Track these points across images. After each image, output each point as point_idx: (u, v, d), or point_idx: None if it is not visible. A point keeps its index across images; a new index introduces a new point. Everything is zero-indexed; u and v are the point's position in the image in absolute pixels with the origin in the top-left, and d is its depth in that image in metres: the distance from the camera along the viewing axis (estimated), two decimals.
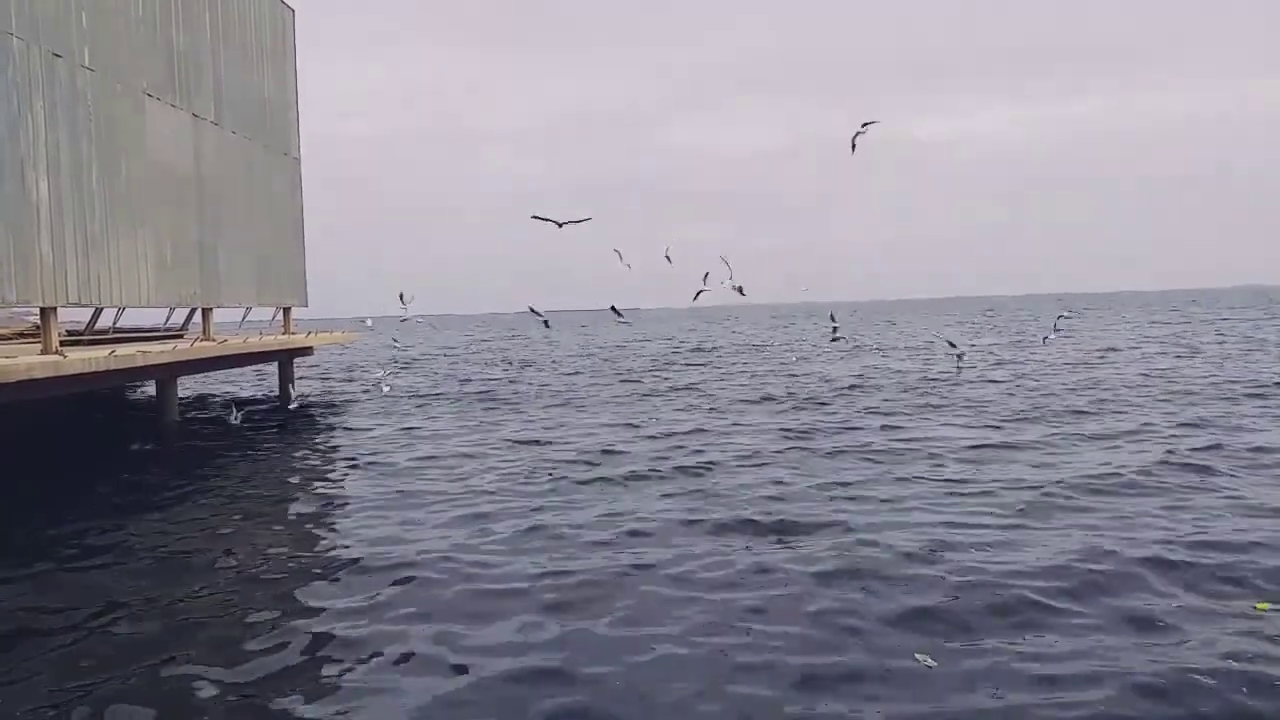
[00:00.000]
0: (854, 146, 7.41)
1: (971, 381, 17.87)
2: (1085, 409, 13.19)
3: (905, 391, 16.46)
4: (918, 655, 4.61)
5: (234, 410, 13.82)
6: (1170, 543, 6.24)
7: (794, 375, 20.50)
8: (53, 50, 10.01)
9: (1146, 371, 18.64)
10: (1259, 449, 9.61)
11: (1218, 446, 9.77)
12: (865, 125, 7.30)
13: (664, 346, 35.97)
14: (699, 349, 33.22)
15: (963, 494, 7.99)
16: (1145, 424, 11.60)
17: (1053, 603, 5.21)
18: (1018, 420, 12.33)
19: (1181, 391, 15.00)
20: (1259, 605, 5.15)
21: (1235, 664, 4.31)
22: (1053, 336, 26.55)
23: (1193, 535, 6.45)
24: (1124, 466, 8.82)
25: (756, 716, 4.06)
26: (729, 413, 14.18)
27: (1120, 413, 12.76)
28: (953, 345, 21.68)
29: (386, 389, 19.14)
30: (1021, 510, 7.33)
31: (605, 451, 10.69)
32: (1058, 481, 8.27)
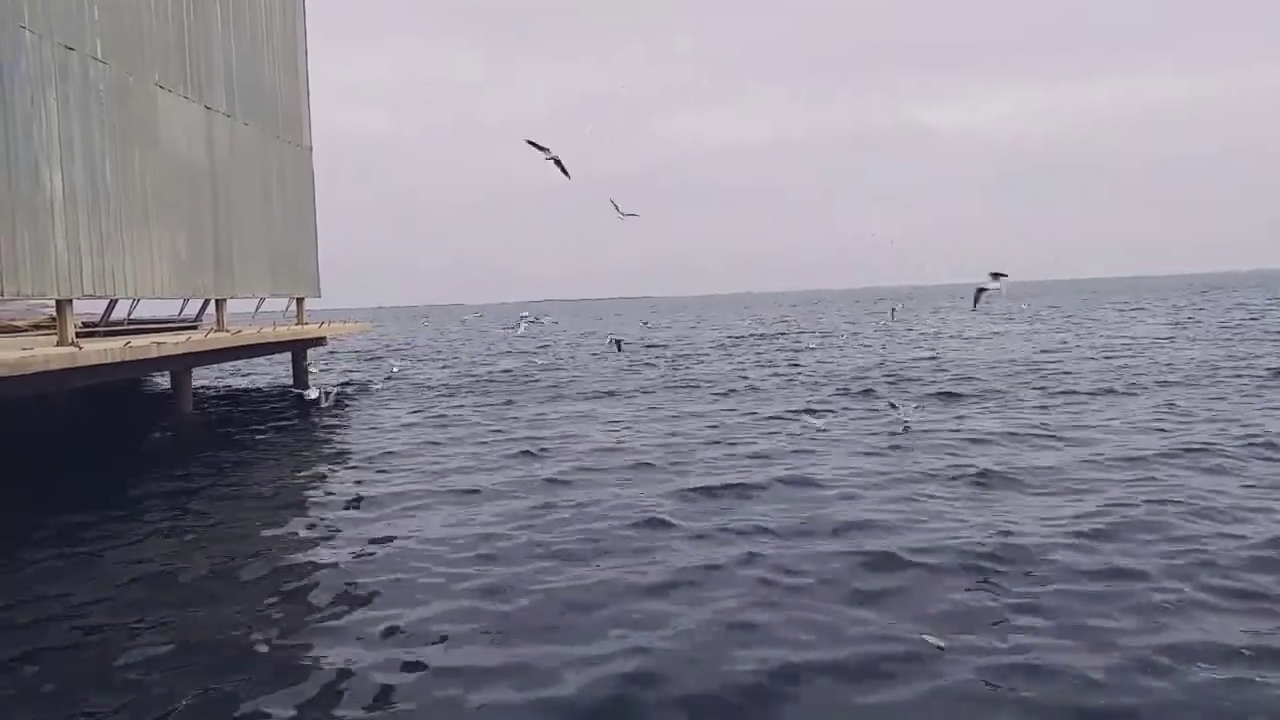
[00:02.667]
0: (563, 168, 7.37)
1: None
2: None
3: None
4: (927, 637, 4.59)
5: (326, 394, 14.68)
6: None
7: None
8: (65, 43, 10.02)
9: None
10: None
11: None
12: (547, 154, 7.42)
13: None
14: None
15: None
16: None
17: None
18: None
19: None
20: None
21: None
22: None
23: None
24: None
25: None
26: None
27: None
28: None
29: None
30: None
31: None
32: None
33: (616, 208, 8.50)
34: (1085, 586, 5.26)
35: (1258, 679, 4.05)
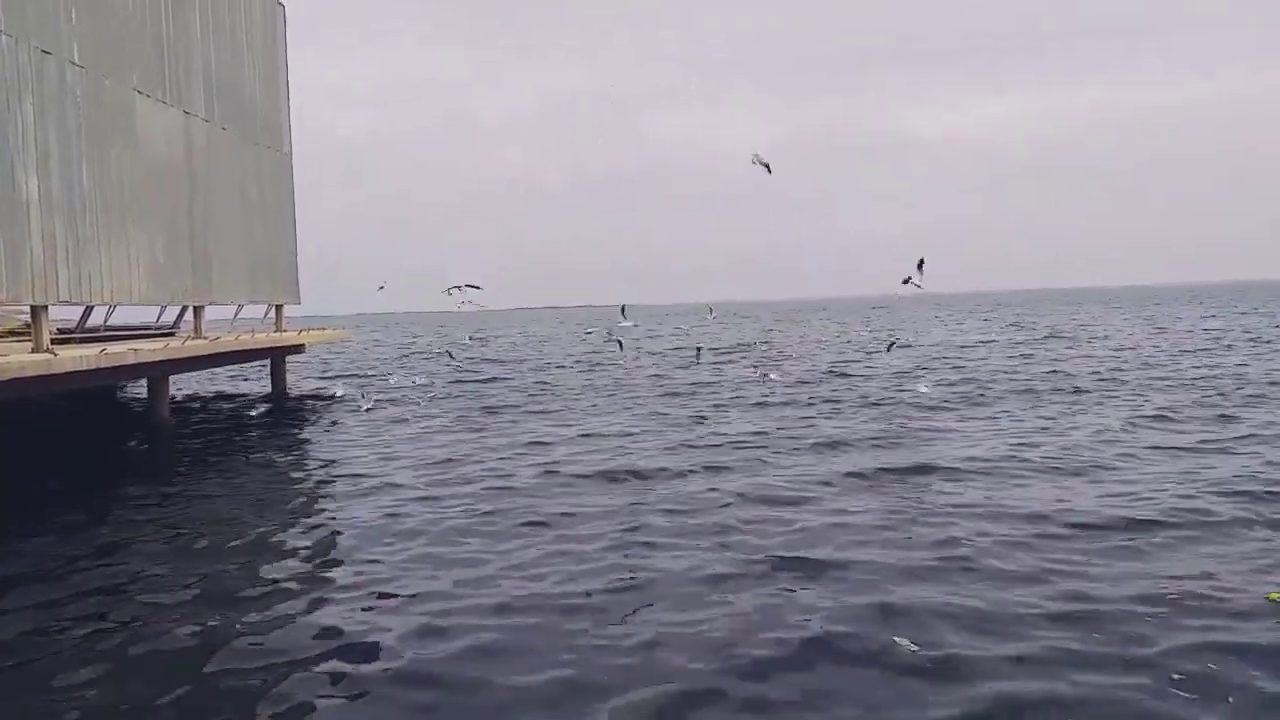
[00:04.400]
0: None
1: None
2: None
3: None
4: (897, 639, 4.60)
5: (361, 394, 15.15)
6: None
7: None
8: (42, 47, 9.93)
9: None
10: None
11: None
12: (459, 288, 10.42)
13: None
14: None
15: None
16: None
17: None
18: None
19: None
20: (1271, 595, 5.13)
21: None
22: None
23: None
24: None
25: None
26: None
27: None
28: None
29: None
30: None
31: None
32: None
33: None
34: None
35: None
